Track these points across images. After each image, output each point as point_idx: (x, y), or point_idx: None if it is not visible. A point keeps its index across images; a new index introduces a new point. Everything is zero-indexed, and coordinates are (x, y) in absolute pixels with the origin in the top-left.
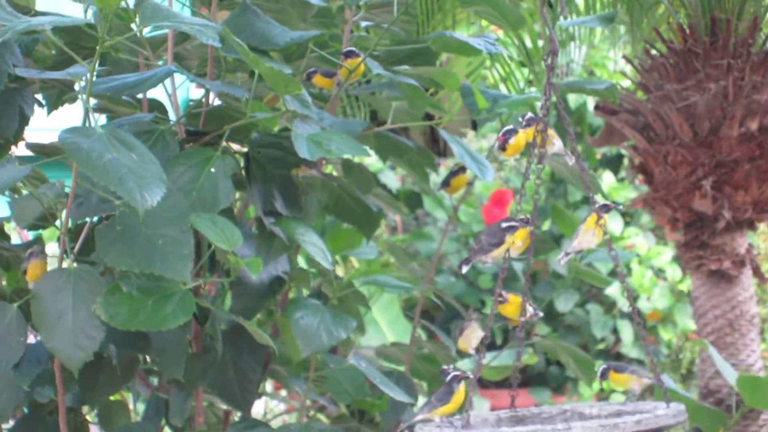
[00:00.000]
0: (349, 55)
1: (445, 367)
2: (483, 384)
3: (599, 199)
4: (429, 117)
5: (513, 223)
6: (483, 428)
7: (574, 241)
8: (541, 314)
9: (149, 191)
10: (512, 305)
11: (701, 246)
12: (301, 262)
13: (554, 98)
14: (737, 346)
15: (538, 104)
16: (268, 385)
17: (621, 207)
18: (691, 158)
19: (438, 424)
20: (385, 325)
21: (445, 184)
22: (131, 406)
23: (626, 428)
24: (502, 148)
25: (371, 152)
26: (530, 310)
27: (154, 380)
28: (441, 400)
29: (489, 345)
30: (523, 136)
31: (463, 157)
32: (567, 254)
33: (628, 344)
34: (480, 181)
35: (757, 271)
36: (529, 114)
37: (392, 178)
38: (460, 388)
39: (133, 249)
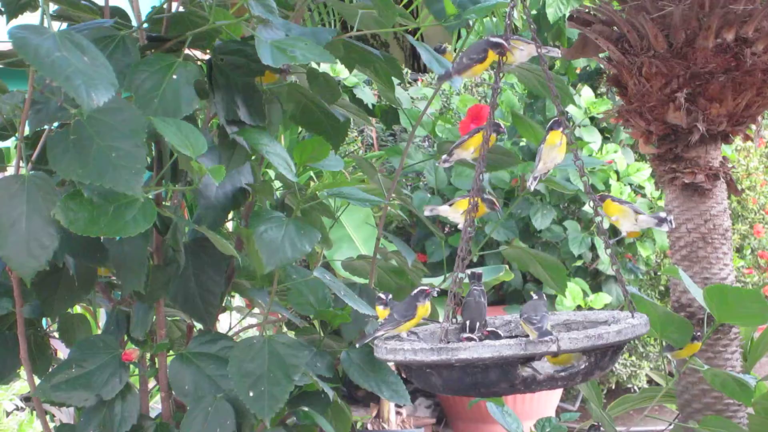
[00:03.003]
0: None
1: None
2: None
3: (574, 116)
4: (414, 33)
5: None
6: (430, 341)
7: (538, 164)
8: (498, 208)
9: (96, 91)
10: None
11: (675, 159)
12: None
13: (521, 8)
14: (710, 259)
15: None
16: (239, 302)
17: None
18: (666, 70)
19: (400, 337)
20: (360, 242)
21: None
22: (100, 323)
23: (609, 338)
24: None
25: (338, 62)
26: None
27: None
28: (405, 317)
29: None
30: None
31: (431, 62)
32: (535, 178)
33: (606, 261)
34: (455, 96)
35: (730, 185)
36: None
37: (368, 94)
38: (426, 304)
39: (85, 160)
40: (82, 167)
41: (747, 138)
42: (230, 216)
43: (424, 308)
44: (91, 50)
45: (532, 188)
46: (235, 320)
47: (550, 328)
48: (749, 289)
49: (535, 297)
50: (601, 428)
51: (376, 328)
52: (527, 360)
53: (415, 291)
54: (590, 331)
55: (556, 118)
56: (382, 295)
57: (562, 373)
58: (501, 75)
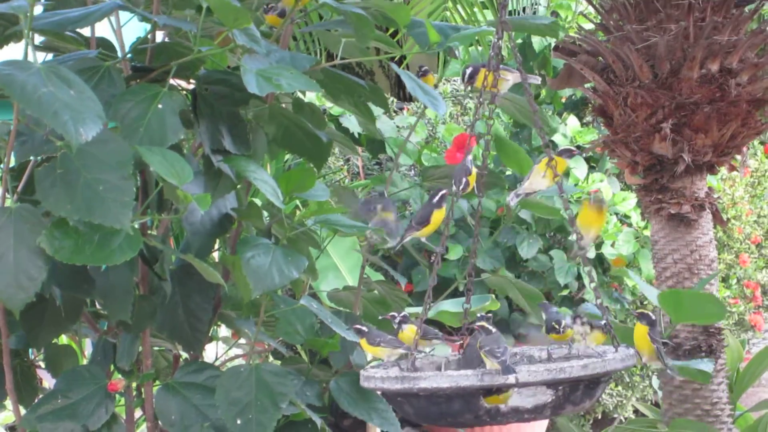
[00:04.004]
0: None
1: (392, 313)
2: (447, 331)
3: (560, 145)
4: (400, 62)
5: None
6: (428, 371)
7: (525, 182)
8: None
9: (84, 126)
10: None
11: (661, 189)
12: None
13: (507, 37)
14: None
15: (491, 39)
16: (225, 332)
17: (580, 153)
18: (651, 100)
19: (385, 365)
20: (346, 271)
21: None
22: (88, 353)
23: (573, 372)
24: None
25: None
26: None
27: (105, 325)
28: (420, 222)
29: (452, 292)
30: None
31: (415, 89)
32: (518, 195)
33: (592, 291)
34: (441, 125)
35: (716, 215)
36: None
37: (354, 123)
38: (442, 208)
39: (73, 194)
40: (71, 202)
41: (732, 168)
42: (216, 245)
43: (440, 212)
44: (78, 83)
45: (512, 204)
46: (221, 350)
47: (510, 362)
48: (704, 292)
49: (493, 330)
50: None
51: (400, 236)
52: (488, 392)
53: (433, 195)
54: (551, 365)
55: (569, 148)
56: (362, 327)
57: (528, 406)
58: (494, 107)
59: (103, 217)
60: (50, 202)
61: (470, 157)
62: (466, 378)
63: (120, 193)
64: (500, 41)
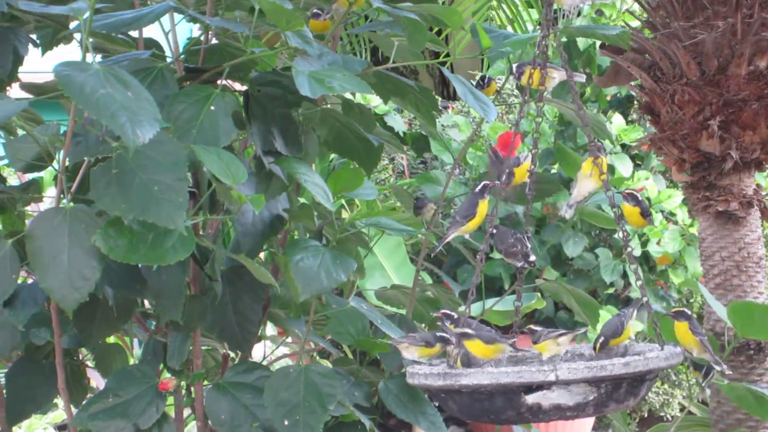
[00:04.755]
0: None
1: (438, 312)
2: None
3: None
4: (442, 63)
5: (486, 184)
6: (472, 368)
7: (573, 191)
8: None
9: (141, 128)
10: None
11: (708, 187)
12: None
13: (553, 35)
14: (744, 288)
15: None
16: (271, 330)
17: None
18: (699, 97)
19: (430, 363)
20: (392, 270)
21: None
22: (134, 351)
23: (614, 370)
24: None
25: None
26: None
27: (153, 324)
28: (466, 216)
29: (497, 290)
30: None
31: (466, 95)
32: (570, 206)
33: (637, 289)
34: (486, 123)
35: (765, 212)
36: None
37: (399, 122)
38: (486, 199)
39: (128, 194)
40: (125, 202)
41: None
42: (264, 246)
43: (485, 203)
44: (135, 85)
45: (567, 216)
46: (268, 349)
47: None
48: None
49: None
50: None
51: (444, 234)
52: (529, 389)
53: (477, 187)
54: (592, 362)
55: (599, 146)
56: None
57: (570, 404)
58: (541, 105)
59: (157, 216)
60: (105, 201)
61: (525, 154)
62: (506, 375)
63: (174, 193)
64: (546, 39)
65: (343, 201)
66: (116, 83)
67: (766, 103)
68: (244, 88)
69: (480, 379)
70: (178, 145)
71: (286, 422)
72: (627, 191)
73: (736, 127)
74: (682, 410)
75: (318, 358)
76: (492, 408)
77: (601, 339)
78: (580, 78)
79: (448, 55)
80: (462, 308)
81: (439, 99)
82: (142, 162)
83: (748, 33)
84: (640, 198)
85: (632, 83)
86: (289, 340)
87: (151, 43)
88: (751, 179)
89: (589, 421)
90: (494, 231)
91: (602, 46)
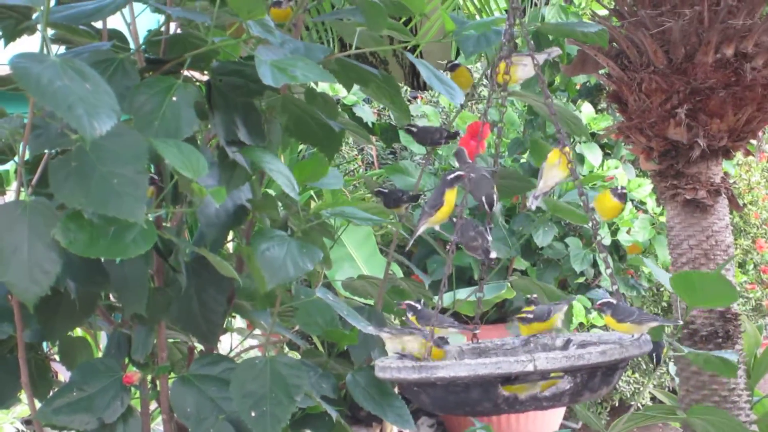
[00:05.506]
0: None
1: (402, 304)
2: (461, 319)
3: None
4: (413, 50)
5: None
6: (443, 360)
7: (539, 182)
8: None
9: (99, 120)
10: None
11: (676, 175)
12: None
13: (519, 25)
14: None
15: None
16: (240, 323)
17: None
18: (666, 86)
19: (398, 356)
20: (362, 261)
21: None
22: (103, 345)
23: (592, 359)
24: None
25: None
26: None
27: (120, 317)
28: (434, 206)
29: (467, 280)
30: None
31: (431, 79)
32: (536, 197)
33: (607, 278)
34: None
35: (732, 200)
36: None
37: (368, 112)
38: (454, 189)
39: (87, 187)
40: (85, 195)
41: (748, 153)
42: (230, 236)
43: (452, 193)
44: (93, 76)
45: (533, 207)
46: (235, 342)
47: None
48: (711, 272)
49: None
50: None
51: (416, 225)
52: (506, 380)
53: (445, 175)
54: (569, 352)
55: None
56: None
57: (546, 394)
58: (505, 94)
59: (117, 210)
60: (64, 194)
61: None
62: (484, 366)
63: (134, 186)
64: (512, 28)
65: (312, 192)
66: (74, 75)
67: (733, 91)
68: (207, 78)
69: (457, 371)
70: (139, 137)
71: (253, 413)
72: (620, 190)
73: (703, 115)
74: (652, 399)
75: (288, 350)
76: (468, 400)
77: (530, 316)
78: (557, 51)
79: (413, 43)
80: (435, 299)
81: (409, 89)
82: (102, 155)
83: (715, 21)
84: (627, 198)
85: (600, 72)
86: (258, 332)
87: (114, 34)
88: (719, 167)
89: (560, 411)
90: (455, 221)
91: None
